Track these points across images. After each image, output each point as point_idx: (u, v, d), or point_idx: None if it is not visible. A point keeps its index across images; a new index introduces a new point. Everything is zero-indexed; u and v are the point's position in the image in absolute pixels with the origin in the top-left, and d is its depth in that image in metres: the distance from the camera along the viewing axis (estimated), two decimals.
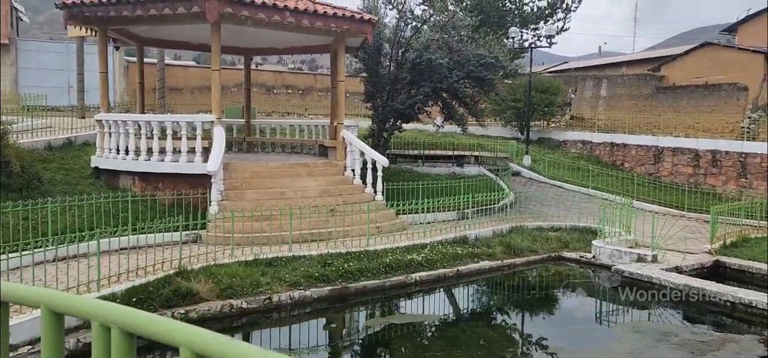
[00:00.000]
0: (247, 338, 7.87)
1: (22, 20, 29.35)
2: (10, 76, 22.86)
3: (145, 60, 17.27)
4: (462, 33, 16.63)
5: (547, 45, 26.28)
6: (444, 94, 16.92)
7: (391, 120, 17.04)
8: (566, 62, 48.76)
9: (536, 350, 8.03)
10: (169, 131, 11.89)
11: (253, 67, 22.61)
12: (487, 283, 10.76)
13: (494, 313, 9.76)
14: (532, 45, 25.81)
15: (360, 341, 8.28)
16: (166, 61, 22.25)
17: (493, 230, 12.35)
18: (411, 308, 9.40)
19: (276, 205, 11.10)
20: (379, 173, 12.74)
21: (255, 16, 11.29)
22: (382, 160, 12.90)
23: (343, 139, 13.45)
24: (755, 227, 13.62)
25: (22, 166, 10.58)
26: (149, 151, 11.95)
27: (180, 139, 11.78)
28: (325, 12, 12.04)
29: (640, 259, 10.86)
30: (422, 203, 12.06)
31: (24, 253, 7.45)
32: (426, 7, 19.79)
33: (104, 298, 7.03)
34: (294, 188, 12.18)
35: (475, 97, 17.92)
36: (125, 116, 13.15)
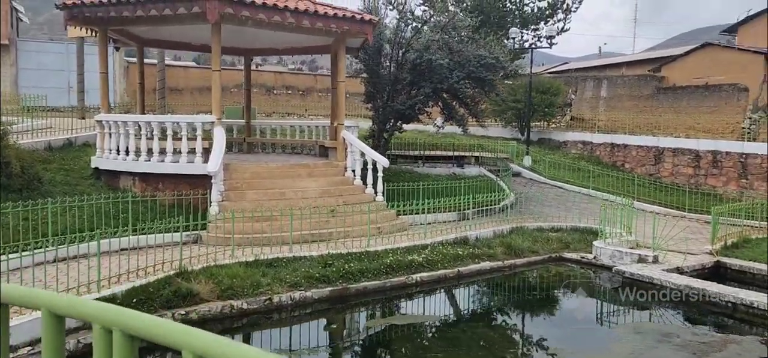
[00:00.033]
0: (247, 338, 7.86)
1: (22, 21, 29.35)
2: (10, 76, 22.85)
3: (146, 61, 17.26)
4: (462, 33, 16.62)
5: (548, 46, 26.21)
6: (444, 95, 16.91)
7: (392, 121, 17.03)
8: (566, 63, 48.76)
9: (537, 350, 8.02)
10: (169, 132, 11.88)
11: (253, 67, 22.60)
12: (487, 284, 10.75)
13: (495, 314, 9.75)
14: (533, 46, 25.78)
15: (361, 342, 8.27)
16: (166, 62, 22.23)
17: (494, 231, 12.33)
18: (412, 308, 9.38)
19: (276, 205, 11.08)
20: (380, 174, 12.73)
21: (255, 16, 11.28)
22: (383, 161, 12.89)
23: (344, 139, 13.44)
24: (756, 227, 13.60)
25: (22, 167, 10.57)
26: (149, 151, 11.93)
27: (180, 139, 11.77)
28: (325, 12, 12.03)
29: (641, 260, 10.84)
30: (423, 204, 12.05)
31: (24, 254, 7.43)
32: (426, 8, 19.80)
33: (104, 299, 7.01)
34: (294, 188, 12.17)
35: (475, 97, 17.92)
36: (125, 117, 13.14)
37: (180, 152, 11.77)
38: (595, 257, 11.45)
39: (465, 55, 15.77)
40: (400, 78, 16.15)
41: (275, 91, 29.61)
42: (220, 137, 11.50)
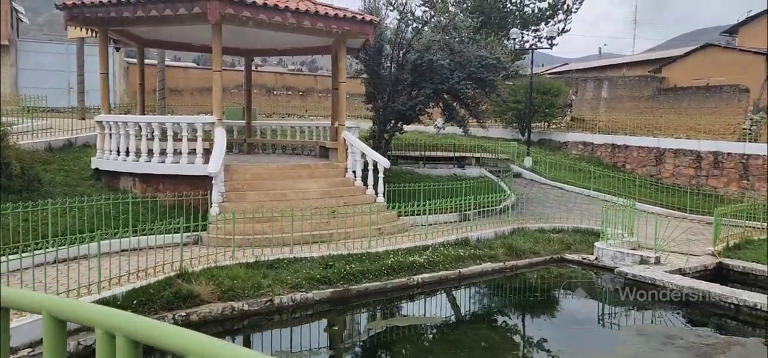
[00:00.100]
0: (248, 339, 7.83)
1: (22, 21, 29.32)
2: (10, 77, 22.82)
3: (146, 61, 17.22)
4: (463, 34, 16.59)
5: (548, 46, 26.19)
6: (445, 96, 16.88)
7: (392, 121, 16.99)
8: (566, 64, 48.78)
9: (539, 352, 7.99)
10: (169, 133, 11.85)
11: (253, 68, 22.56)
12: (489, 285, 10.71)
13: (497, 315, 9.72)
14: (533, 46, 25.76)
15: (362, 344, 8.23)
16: (166, 63, 22.21)
17: (495, 232, 12.30)
18: (413, 310, 9.34)
19: (277, 206, 11.05)
20: (380, 175, 12.70)
21: (256, 16, 11.25)
22: (384, 162, 12.86)
23: (344, 140, 13.41)
24: (758, 228, 13.59)
25: (22, 168, 10.53)
26: (150, 152, 11.89)
27: (181, 140, 11.73)
28: (326, 13, 12.00)
29: (643, 261, 10.81)
30: (423, 205, 12.01)
31: (24, 255, 7.40)
32: (427, 9, 19.78)
33: (105, 300, 6.98)
34: (295, 189, 12.14)
35: (476, 98, 17.89)
36: (126, 117, 13.10)
37: (180, 153, 11.74)
38: (596, 259, 11.42)
39: (466, 55, 15.73)
40: (400, 79, 16.12)
41: (275, 92, 29.58)
42: (220, 138, 11.46)
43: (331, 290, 8.70)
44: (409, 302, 9.45)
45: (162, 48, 18.40)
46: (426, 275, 9.77)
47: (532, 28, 30.23)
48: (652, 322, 8.92)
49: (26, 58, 23.67)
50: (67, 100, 22.01)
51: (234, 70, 28.20)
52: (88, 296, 7.06)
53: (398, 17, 16.48)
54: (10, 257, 7.75)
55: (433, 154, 19.49)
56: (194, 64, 38.51)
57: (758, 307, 8.56)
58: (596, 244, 11.61)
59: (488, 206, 13.71)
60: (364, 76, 17.17)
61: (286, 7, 11.48)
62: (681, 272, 10.38)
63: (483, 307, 10.24)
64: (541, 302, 10.29)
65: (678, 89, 25.41)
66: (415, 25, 16.65)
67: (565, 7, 30.12)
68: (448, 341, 8.09)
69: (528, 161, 20.93)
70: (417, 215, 12.25)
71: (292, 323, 8.15)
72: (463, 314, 9.62)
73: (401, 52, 16.06)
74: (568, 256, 11.82)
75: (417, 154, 19.19)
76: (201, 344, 1.30)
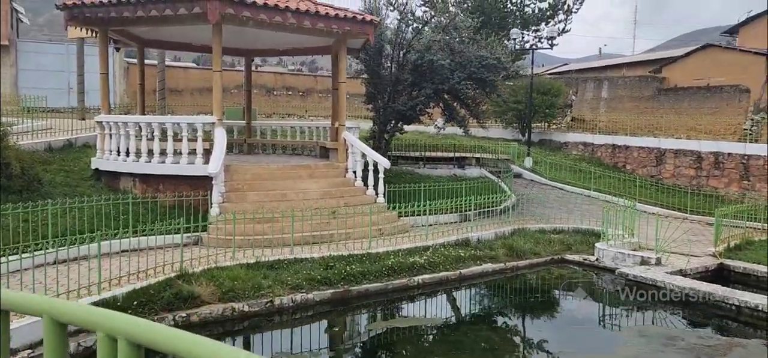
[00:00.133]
0: (248, 341, 7.81)
1: (22, 22, 29.31)
2: (10, 77, 22.81)
3: (146, 61, 17.21)
4: (463, 34, 16.58)
5: (548, 47, 26.19)
6: (445, 96, 16.86)
7: (393, 122, 16.98)
8: (566, 64, 48.79)
9: (540, 353, 7.97)
10: (169, 133, 11.83)
11: (253, 68, 22.56)
12: (490, 286, 10.69)
13: (497, 316, 9.70)
14: (533, 47, 25.75)
15: (362, 345, 8.21)
16: (166, 63, 22.19)
17: (496, 233, 12.28)
18: (414, 311, 9.32)
19: (277, 207, 11.03)
20: (381, 175, 12.68)
21: (256, 16, 11.23)
22: (384, 162, 12.84)
23: (345, 140, 13.39)
24: (759, 229, 13.57)
25: (22, 168, 10.51)
26: (150, 152, 11.87)
27: (181, 140, 11.72)
28: (326, 13, 11.99)
29: (644, 262, 10.79)
30: (424, 205, 12.00)
31: (24, 255, 7.38)
32: (427, 9, 19.76)
33: (105, 301, 6.97)
34: (295, 189, 12.12)
35: (476, 98, 17.88)
36: (126, 118, 13.08)
37: (180, 153, 11.72)
38: (597, 259, 11.40)
39: (466, 55, 15.72)
40: (401, 79, 16.10)
41: (275, 92, 29.57)
42: (220, 138, 11.45)
43: (331, 291, 8.67)
44: (410, 303, 9.43)
45: (162, 48, 18.39)
46: (427, 276, 9.75)
47: (533, 28, 30.23)
48: (653, 323, 8.91)
49: (26, 58, 23.66)
50: (67, 101, 21.99)
51: (234, 70, 28.18)
52: (88, 297, 7.04)
53: (398, 17, 16.49)
54: (10, 257, 7.73)
55: (434, 154, 19.47)
56: (194, 65, 38.49)
57: (760, 308, 8.54)
58: (597, 245, 11.59)
59: (489, 207, 13.69)
60: (365, 76, 17.16)
61: (287, 7, 11.46)
62: (682, 273, 10.35)
63: (484, 308, 10.21)
64: (542, 303, 10.27)
65: (678, 89, 25.40)
66: (415, 25, 16.64)
67: (565, 7, 30.12)
68: (448, 342, 8.07)
69: (528, 162, 20.91)
70: (417, 215, 12.24)
71: (292, 324, 8.13)
72: (463, 315, 9.60)
73: (401, 52, 16.04)
74: (569, 257, 11.80)
75: (417, 154, 19.17)
76: (203, 347, 1.28)
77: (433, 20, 17.22)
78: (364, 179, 12.86)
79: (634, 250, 11.39)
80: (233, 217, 9.73)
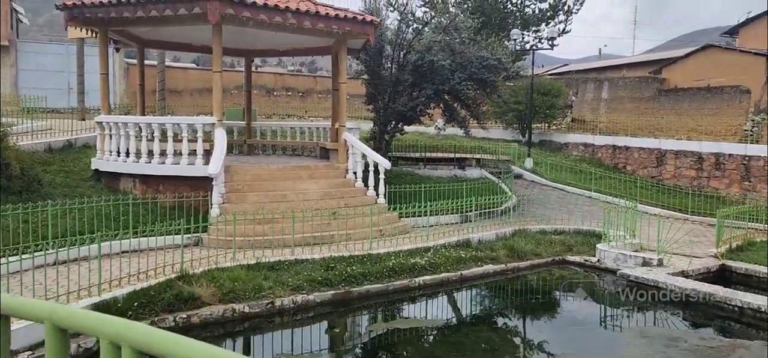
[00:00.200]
0: (248, 342, 7.78)
1: (22, 22, 29.27)
2: (10, 78, 22.77)
3: (146, 62, 17.18)
4: (464, 35, 16.56)
5: (549, 47, 26.17)
6: (446, 96, 16.84)
7: (393, 122, 16.95)
8: (567, 65, 48.77)
9: (541, 354, 7.94)
10: (169, 134, 11.80)
11: (253, 69, 22.53)
12: (491, 287, 10.67)
13: (498, 317, 9.67)
14: (534, 47, 25.73)
15: (363, 346, 8.18)
16: (166, 63, 22.16)
17: (496, 234, 12.26)
18: (415, 312, 9.29)
19: (278, 208, 11.01)
20: (381, 176, 12.65)
21: (256, 17, 11.21)
22: (384, 163, 12.81)
23: (345, 141, 13.36)
24: (760, 230, 13.55)
25: (22, 169, 10.48)
26: (150, 153, 11.85)
27: (181, 141, 11.69)
28: (326, 13, 11.96)
29: (646, 263, 10.77)
30: (424, 206, 11.97)
31: (24, 256, 7.34)
32: (427, 10, 19.73)
33: (105, 302, 6.94)
34: (295, 190, 12.09)
35: (477, 99, 17.85)
36: (126, 118, 13.05)
37: (180, 154, 11.69)
38: (598, 260, 11.37)
39: (467, 56, 15.69)
40: (401, 79, 16.08)
41: (275, 93, 29.55)
42: (220, 139, 11.42)
43: (332, 292, 8.65)
44: (411, 304, 9.41)
45: (162, 48, 18.36)
46: (427, 277, 9.73)
47: (533, 29, 30.21)
48: (654, 324, 8.88)
49: (26, 58, 23.62)
50: (67, 101, 21.96)
51: (234, 70, 28.16)
52: (88, 298, 7.01)
53: (399, 18, 16.47)
54: (10, 258, 7.70)
55: (434, 155, 19.44)
56: (194, 65, 38.45)
57: (762, 309, 8.52)
58: (598, 246, 11.56)
59: (489, 208, 13.66)
60: (365, 76, 17.13)
61: (287, 7, 11.43)
62: (684, 274, 10.32)
63: (485, 309, 10.19)
64: (543, 304, 10.25)
65: (679, 90, 25.37)
66: (415, 25, 16.62)
67: (565, 8, 30.11)
68: (449, 343, 8.04)
69: (529, 163, 20.88)
70: (418, 216, 12.21)
71: (293, 325, 8.10)
72: (464, 316, 9.57)
73: (402, 52, 16.02)
74: (570, 258, 11.77)
75: (418, 155, 19.14)
76: (205, 354, 1.25)
77: (433, 21, 17.20)
78: (365, 180, 12.83)
79: (636, 251, 11.37)
80: (234, 218, 9.70)
